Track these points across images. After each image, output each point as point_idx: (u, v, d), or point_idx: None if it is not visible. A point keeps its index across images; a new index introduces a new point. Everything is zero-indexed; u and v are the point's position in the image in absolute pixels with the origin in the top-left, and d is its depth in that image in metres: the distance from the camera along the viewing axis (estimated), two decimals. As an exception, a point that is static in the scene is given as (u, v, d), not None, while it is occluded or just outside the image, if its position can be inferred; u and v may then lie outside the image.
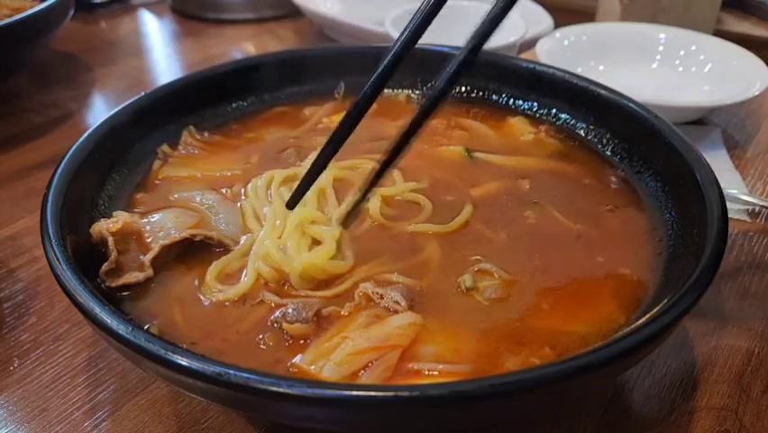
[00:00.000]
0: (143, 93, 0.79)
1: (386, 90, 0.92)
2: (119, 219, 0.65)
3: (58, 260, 0.55)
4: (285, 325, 0.57)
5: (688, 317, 0.51)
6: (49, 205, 0.61)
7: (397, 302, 0.58)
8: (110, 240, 0.62)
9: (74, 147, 0.69)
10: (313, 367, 0.53)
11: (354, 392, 0.44)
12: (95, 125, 0.73)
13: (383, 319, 0.57)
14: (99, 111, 1.21)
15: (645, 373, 0.66)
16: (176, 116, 0.83)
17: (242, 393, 0.45)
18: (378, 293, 0.59)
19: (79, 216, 0.66)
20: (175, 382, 0.50)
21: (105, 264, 0.61)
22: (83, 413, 0.63)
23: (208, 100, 0.86)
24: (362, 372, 0.53)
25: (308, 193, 0.65)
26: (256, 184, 0.74)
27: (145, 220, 0.68)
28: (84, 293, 0.52)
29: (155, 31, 1.59)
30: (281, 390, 0.44)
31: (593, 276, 0.64)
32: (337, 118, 0.83)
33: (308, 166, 0.63)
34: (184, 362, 0.46)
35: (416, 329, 0.57)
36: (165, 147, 0.81)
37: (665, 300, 0.52)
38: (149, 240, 0.65)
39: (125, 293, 0.61)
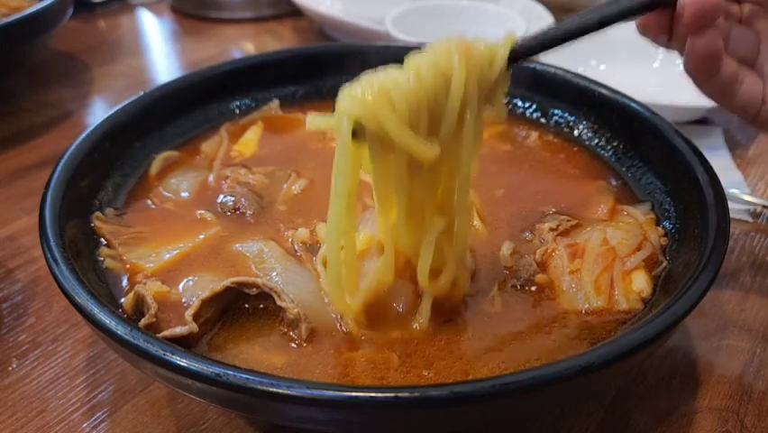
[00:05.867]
0: (143, 92, 0.79)
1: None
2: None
3: (56, 260, 0.55)
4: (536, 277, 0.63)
5: (689, 317, 0.51)
6: (47, 205, 0.61)
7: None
8: (148, 297, 0.58)
9: (73, 147, 0.69)
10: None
11: (354, 393, 0.44)
12: (93, 125, 0.72)
13: (581, 244, 0.64)
14: (98, 110, 1.21)
15: (647, 373, 0.66)
16: (175, 116, 0.82)
17: (241, 394, 0.45)
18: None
19: (78, 217, 0.65)
20: (173, 383, 0.49)
21: (144, 319, 0.57)
22: (82, 414, 0.63)
23: (208, 99, 0.86)
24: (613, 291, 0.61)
25: None
26: None
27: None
28: (82, 293, 0.52)
29: (154, 30, 1.58)
30: (280, 391, 0.44)
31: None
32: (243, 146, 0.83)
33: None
34: (182, 362, 0.46)
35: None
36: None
37: (667, 301, 0.52)
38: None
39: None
